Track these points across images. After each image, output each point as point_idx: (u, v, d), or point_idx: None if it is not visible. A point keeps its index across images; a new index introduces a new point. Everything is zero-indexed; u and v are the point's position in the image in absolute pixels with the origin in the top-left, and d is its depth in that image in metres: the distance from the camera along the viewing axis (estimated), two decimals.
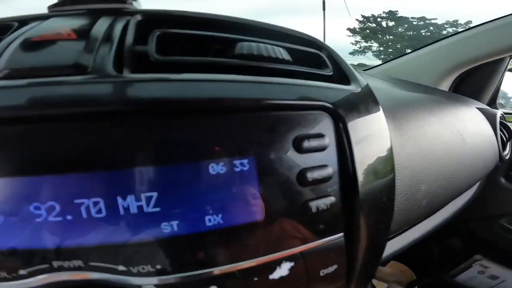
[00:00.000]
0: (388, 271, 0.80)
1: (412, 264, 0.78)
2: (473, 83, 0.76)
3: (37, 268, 0.13)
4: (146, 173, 0.13)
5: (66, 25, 0.17)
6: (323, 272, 0.18)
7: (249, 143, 0.15)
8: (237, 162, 0.14)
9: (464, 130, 0.42)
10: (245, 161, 0.15)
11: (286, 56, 0.20)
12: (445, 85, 0.75)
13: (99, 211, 0.13)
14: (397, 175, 0.25)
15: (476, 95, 0.73)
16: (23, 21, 0.18)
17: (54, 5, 0.20)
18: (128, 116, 0.13)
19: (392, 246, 0.42)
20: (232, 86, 0.15)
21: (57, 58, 0.14)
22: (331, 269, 0.18)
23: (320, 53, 0.22)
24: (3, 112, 0.12)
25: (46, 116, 0.12)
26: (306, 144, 0.16)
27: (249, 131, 0.15)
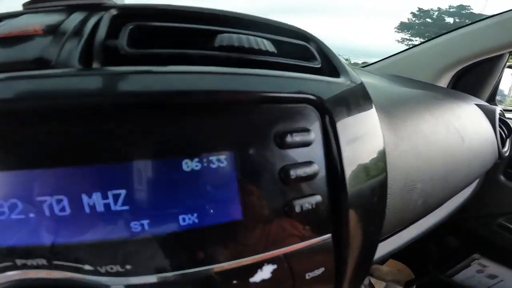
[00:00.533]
0: (385, 270, 0.79)
1: (410, 263, 0.77)
2: (472, 80, 0.75)
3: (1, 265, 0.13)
4: (113, 170, 0.12)
5: (36, 21, 0.16)
6: (309, 275, 0.17)
7: (227, 138, 0.14)
8: (213, 158, 0.13)
9: (462, 127, 0.41)
10: (222, 157, 0.14)
11: (270, 48, 0.19)
12: (444, 82, 0.74)
13: (63, 209, 0.12)
14: (390, 174, 0.24)
15: (475, 92, 0.72)
16: None
17: (29, 3, 0.19)
18: (90, 110, 0.12)
19: (390, 244, 0.41)
20: (206, 77, 0.14)
21: (20, 53, 0.13)
22: (317, 272, 0.17)
23: (308, 45, 0.21)
24: None
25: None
26: (289, 139, 0.15)
27: (227, 126, 0.14)
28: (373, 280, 0.77)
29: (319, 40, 0.22)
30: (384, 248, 0.41)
